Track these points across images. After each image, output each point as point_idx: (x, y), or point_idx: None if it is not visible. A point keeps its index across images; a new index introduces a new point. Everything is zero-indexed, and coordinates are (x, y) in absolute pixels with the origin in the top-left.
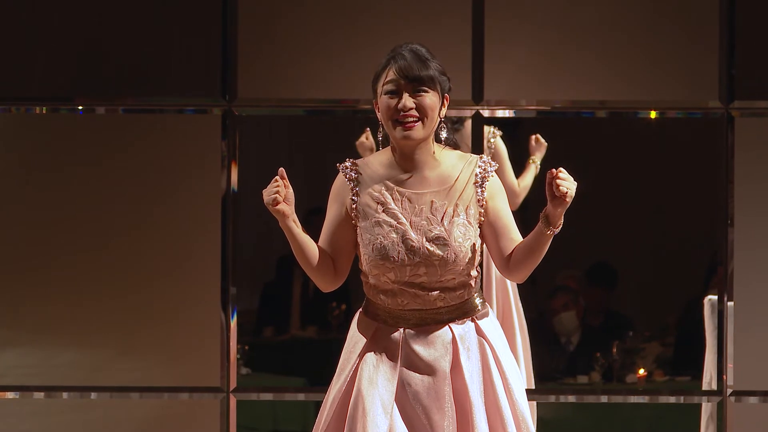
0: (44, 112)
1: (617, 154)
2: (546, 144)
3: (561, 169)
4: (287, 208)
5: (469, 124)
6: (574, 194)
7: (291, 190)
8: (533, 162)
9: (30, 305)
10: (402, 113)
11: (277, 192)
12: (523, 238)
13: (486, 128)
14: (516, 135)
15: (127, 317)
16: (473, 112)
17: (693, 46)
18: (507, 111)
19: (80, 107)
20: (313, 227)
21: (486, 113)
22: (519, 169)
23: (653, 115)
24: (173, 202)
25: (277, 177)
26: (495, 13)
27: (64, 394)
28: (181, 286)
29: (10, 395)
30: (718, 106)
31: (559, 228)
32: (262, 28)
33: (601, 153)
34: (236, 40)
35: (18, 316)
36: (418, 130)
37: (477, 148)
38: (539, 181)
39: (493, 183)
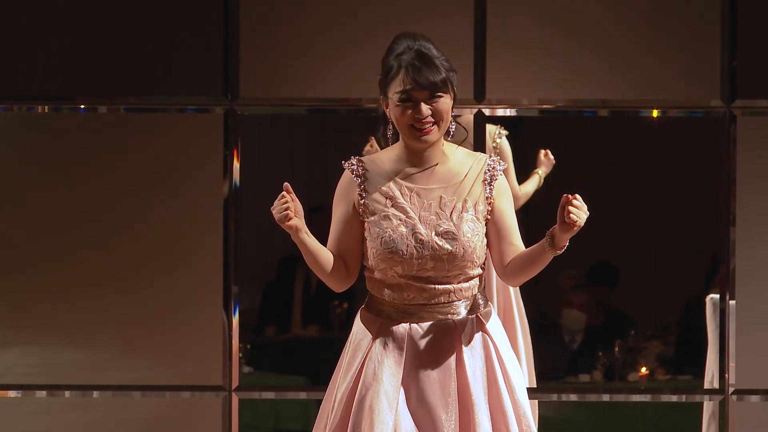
0: (46, 111)
1: (619, 153)
2: (554, 161)
3: (576, 195)
4: (299, 222)
5: (471, 123)
6: (583, 224)
7: (299, 202)
8: (538, 174)
9: (31, 304)
10: (419, 121)
11: (288, 208)
12: (525, 243)
13: (493, 127)
14: (517, 134)
15: (129, 316)
16: (475, 111)
17: (695, 45)
18: (509, 110)
19: (82, 106)
20: (314, 225)
21: (488, 112)
22: (519, 168)
23: (655, 114)
24: (175, 201)
25: (284, 192)
26: (497, 11)
27: (66, 393)
28: (183, 285)
29: (12, 394)
30: (719, 104)
31: (562, 251)
32: (263, 27)
33: (602, 152)
34: (238, 39)
35: (19, 315)
36: (434, 134)
37: (479, 147)
38: (540, 193)
39: (502, 182)
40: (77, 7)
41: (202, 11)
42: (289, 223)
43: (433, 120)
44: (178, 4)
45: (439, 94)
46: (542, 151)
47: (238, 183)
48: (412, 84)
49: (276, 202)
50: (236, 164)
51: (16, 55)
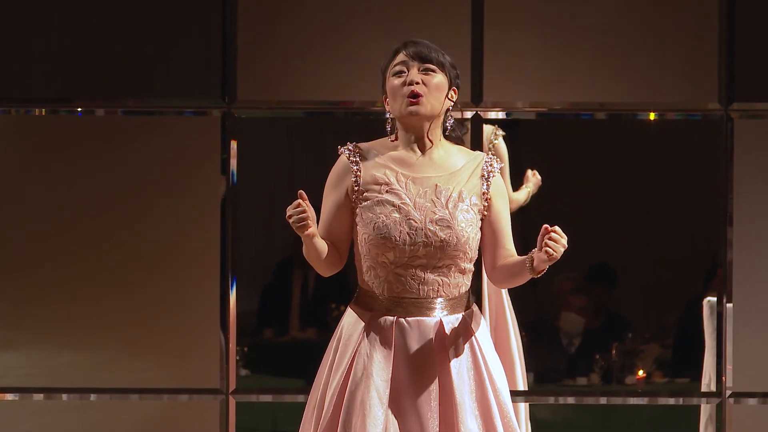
0: (44, 113)
1: (616, 156)
2: (540, 181)
3: (556, 228)
4: (315, 229)
5: (468, 125)
6: (559, 257)
7: (312, 209)
8: (527, 188)
9: (29, 306)
10: (409, 87)
11: (306, 217)
12: (518, 249)
13: (490, 128)
14: (514, 137)
15: (127, 318)
16: (472, 113)
17: (692, 48)
18: (506, 113)
19: (80, 109)
20: None
21: (485, 115)
22: (515, 171)
23: (652, 116)
24: (173, 204)
25: (300, 201)
26: (495, 14)
27: (64, 396)
28: (181, 287)
29: (9, 397)
30: (717, 107)
31: (540, 275)
32: (261, 29)
33: (600, 155)
34: (236, 42)
35: (18, 317)
36: (424, 105)
37: (476, 149)
38: (539, 197)
39: (498, 181)
40: (76, 9)
41: (200, 14)
42: (307, 232)
43: (423, 92)
44: (176, 6)
45: (433, 67)
46: (529, 171)
47: (235, 185)
48: (407, 55)
49: (292, 210)
50: (234, 167)
51: (14, 58)
